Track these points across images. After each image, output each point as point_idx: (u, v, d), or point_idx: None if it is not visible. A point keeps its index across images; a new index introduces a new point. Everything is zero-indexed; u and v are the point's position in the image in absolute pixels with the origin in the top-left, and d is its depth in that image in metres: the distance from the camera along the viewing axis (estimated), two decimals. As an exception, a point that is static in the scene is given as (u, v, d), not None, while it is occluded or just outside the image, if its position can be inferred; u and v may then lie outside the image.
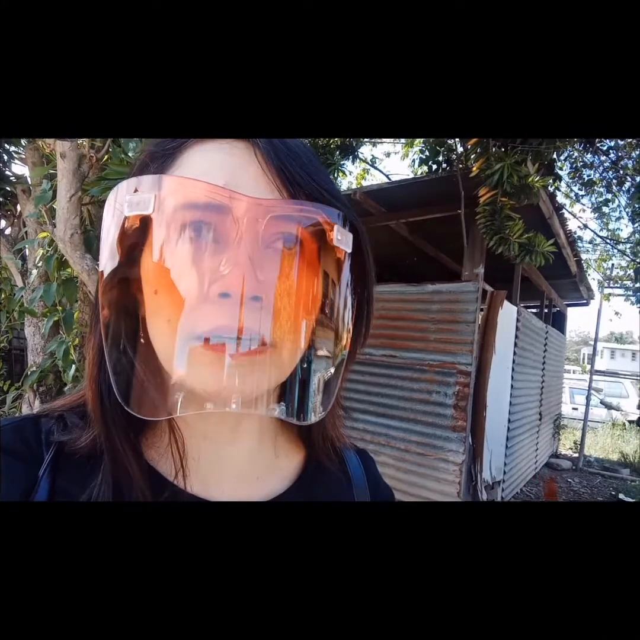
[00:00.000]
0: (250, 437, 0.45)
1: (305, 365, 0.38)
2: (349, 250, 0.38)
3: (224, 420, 0.42)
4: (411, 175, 5.03)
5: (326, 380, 0.39)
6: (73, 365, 1.75)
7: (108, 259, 0.35)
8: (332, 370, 0.39)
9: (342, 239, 0.37)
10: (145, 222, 0.34)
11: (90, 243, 1.66)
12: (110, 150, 1.61)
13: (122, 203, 0.34)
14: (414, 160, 4.83)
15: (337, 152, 3.77)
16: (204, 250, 0.34)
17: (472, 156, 3.11)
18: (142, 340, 0.36)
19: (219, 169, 0.36)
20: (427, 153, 4.31)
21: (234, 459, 0.44)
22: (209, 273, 0.33)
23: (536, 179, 2.63)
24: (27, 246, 2.03)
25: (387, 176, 6.05)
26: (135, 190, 0.34)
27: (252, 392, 0.35)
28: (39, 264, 1.93)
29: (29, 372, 1.97)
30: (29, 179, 2.26)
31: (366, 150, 5.51)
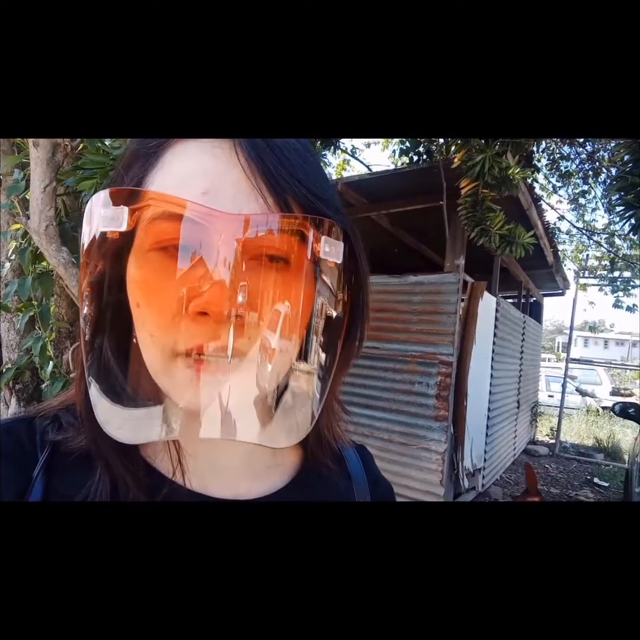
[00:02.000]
0: None
1: (288, 384, 0.37)
2: (339, 261, 0.35)
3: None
4: (392, 166, 5.02)
5: (309, 398, 0.37)
6: (50, 362, 1.70)
7: (91, 268, 0.34)
8: (318, 386, 0.37)
9: (330, 250, 0.34)
10: (123, 236, 0.33)
11: (66, 235, 1.61)
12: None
13: (98, 216, 0.33)
14: (394, 151, 4.82)
15: (318, 143, 3.74)
16: (182, 267, 0.32)
17: (452, 147, 3.11)
18: (133, 352, 0.35)
19: (200, 175, 0.34)
20: (407, 144, 4.30)
21: (232, 457, 0.44)
22: (188, 291, 0.32)
23: (516, 171, 2.65)
24: (-1, 238, 1.96)
25: (367, 167, 6.03)
26: (108, 203, 0.32)
27: (234, 413, 0.33)
28: (13, 257, 1.86)
29: (4, 370, 1.91)
30: (-1, 168, 2.17)
31: (347, 140, 5.48)
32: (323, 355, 0.37)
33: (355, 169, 7.06)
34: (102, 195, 0.33)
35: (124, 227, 0.32)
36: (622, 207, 1.99)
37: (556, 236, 6.67)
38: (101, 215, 0.32)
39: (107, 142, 1.55)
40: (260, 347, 0.33)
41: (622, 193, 1.95)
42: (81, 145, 1.56)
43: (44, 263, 1.70)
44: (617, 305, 7.30)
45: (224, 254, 0.31)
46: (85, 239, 0.33)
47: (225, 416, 0.33)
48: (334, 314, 0.37)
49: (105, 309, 0.34)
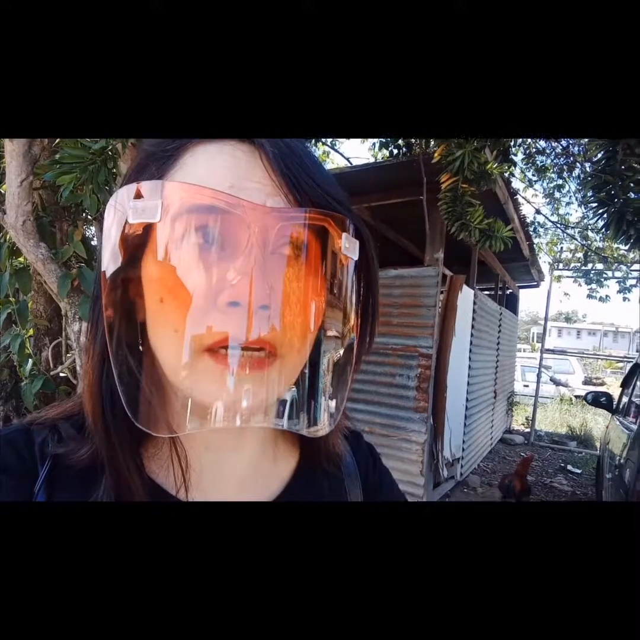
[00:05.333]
0: (254, 445, 0.44)
1: (315, 375, 0.38)
2: (356, 258, 0.38)
3: (228, 429, 0.41)
4: (372, 159, 5.03)
5: (335, 388, 0.39)
6: (29, 360, 1.67)
7: (111, 264, 0.33)
8: (340, 377, 0.39)
9: (349, 246, 0.37)
10: (150, 229, 0.33)
11: (43, 230, 1.57)
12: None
13: (125, 209, 0.33)
14: (374, 144, 4.82)
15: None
16: (213, 259, 0.33)
17: (432, 142, 3.13)
18: (146, 351, 0.35)
19: (225, 172, 0.35)
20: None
21: (236, 467, 0.44)
22: (218, 282, 0.32)
23: (494, 166, 2.69)
24: (-28, 233, 1.90)
25: (347, 159, 6.02)
26: (138, 196, 0.32)
27: (262, 403, 0.34)
28: (-12, 253, 1.81)
29: (-20, 367, 1.87)
30: (-30, 160, 2.10)
31: (326, 132, 5.43)
32: (343, 347, 0.39)
33: (335, 162, 7.04)
34: (127, 190, 0.33)
35: (157, 219, 0.32)
36: (595, 204, 2.04)
37: (534, 229, 6.80)
38: (130, 208, 0.32)
39: (86, 135, 1.51)
40: (289, 337, 0.34)
41: (595, 191, 2.01)
42: (58, 139, 1.52)
43: (21, 259, 1.66)
44: (590, 296, 7.49)
45: (256, 245, 0.32)
46: (106, 239, 0.33)
47: (254, 405, 0.34)
48: (351, 308, 0.39)
49: (121, 309, 0.34)
